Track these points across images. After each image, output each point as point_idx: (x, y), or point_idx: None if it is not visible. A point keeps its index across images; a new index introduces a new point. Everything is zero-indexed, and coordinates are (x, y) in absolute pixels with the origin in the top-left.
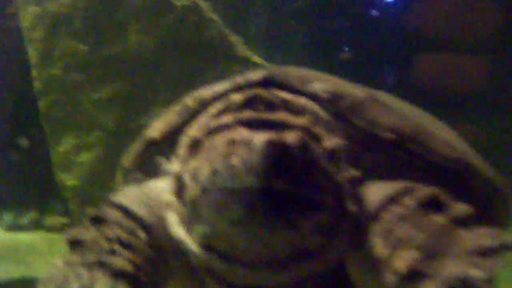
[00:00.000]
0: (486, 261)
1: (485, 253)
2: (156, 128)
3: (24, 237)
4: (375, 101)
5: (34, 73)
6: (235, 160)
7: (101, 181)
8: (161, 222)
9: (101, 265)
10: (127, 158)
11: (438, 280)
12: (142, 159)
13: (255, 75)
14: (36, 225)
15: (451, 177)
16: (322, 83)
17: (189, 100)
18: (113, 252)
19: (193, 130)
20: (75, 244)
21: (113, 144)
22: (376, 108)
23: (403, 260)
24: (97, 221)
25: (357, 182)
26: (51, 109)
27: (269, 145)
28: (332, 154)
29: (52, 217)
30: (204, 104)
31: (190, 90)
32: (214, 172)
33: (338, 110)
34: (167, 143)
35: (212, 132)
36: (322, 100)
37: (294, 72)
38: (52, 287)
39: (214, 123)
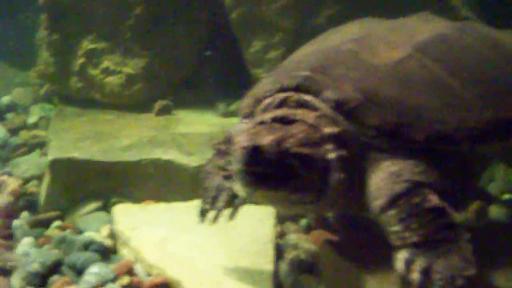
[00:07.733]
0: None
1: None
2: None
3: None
4: (369, 103)
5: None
6: (236, 155)
7: None
8: None
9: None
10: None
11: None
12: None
13: (291, 82)
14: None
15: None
16: (331, 91)
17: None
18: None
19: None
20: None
21: (293, 42)
22: (367, 109)
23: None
24: (225, 141)
25: (344, 159)
26: (241, 19)
27: (242, 148)
28: (328, 138)
29: None
30: (261, 100)
31: None
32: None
33: (340, 112)
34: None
35: (257, 124)
36: (329, 103)
37: (320, 79)
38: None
39: (258, 118)
